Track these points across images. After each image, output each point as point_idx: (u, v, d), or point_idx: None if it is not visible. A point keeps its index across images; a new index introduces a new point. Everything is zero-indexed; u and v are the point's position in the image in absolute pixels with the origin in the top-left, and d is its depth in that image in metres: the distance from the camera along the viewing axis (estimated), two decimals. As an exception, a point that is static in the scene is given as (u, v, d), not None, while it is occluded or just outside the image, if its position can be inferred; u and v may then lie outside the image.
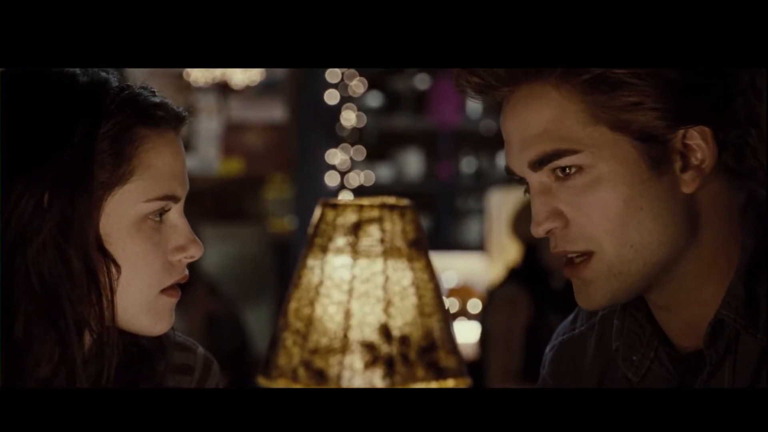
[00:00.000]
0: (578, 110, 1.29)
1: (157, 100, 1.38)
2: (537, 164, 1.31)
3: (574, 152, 1.29)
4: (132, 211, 1.34)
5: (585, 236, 1.30)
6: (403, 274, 1.08)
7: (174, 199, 1.37)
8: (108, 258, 1.33)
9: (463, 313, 5.10)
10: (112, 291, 1.33)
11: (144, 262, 1.35)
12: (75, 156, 1.31)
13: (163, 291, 1.37)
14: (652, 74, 1.28)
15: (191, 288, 3.86)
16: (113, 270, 1.33)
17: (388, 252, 1.08)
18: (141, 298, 1.35)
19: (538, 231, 1.32)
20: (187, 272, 1.39)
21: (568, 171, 1.30)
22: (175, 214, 1.38)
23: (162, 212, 1.36)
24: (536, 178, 1.32)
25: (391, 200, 1.10)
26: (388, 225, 1.09)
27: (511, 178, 1.37)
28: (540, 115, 1.30)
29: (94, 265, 1.32)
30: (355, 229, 1.09)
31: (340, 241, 1.09)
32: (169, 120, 1.38)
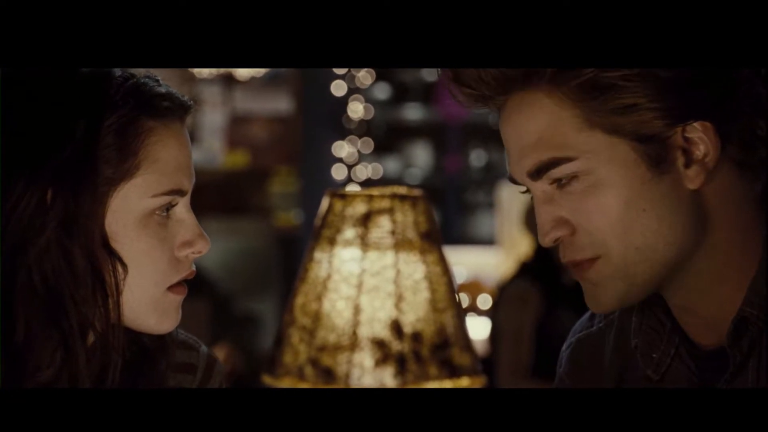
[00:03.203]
0: (572, 116, 1.28)
1: (163, 89, 1.35)
2: (535, 174, 1.31)
3: (569, 159, 1.28)
4: (138, 207, 1.32)
5: (592, 243, 1.29)
6: (415, 268, 1.05)
7: (181, 193, 1.34)
8: (114, 256, 1.31)
9: (472, 308, 5.09)
10: (118, 291, 1.31)
11: (150, 259, 1.32)
12: (78, 151, 1.29)
13: (170, 288, 1.34)
14: (644, 75, 1.26)
15: None
16: (119, 269, 1.31)
17: (400, 244, 1.05)
18: (147, 297, 1.33)
19: (545, 241, 1.32)
20: (194, 268, 1.37)
21: (566, 179, 1.29)
22: (182, 209, 1.35)
23: (169, 207, 1.34)
24: (538, 188, 1.31)
25: (402, 190, 1.07)
26: (399, 216, 1.05)
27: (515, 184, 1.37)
28: (534, 124, 1.30)
29: (100, 264, 1.30)
30: (365, 220, 1.05)
31: (349, 232, 1.05)
32: (174, 110, 1.35)
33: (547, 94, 1.28)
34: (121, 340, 1.32)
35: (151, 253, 1.32)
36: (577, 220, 1.29)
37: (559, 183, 1.29)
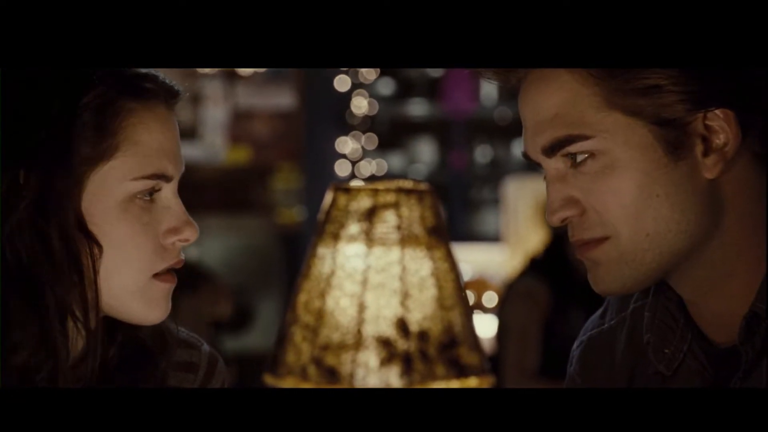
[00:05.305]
0: (591, 94, 1.27)
1: (143, 70, 1.33)
2: (549, 150, 1.29)
3: (585, 138, 1.27)
4: (118, 190, 1.29)
5: (602, 223, 1.28)
6: (421, 264, 1.03)
7: (164, 178, 1.32)
8: (91, 239, 1.28)
9: (478, 306, 5.08)
10: (95, 273, 1.28)
11: (133, 245, 1.30)
12: (53, 129, 1.27)
13: (156, 276, 1.32)
14: None
15: None
16: (96, 252, 1.28)
17: (406, 240, 1.03)
18: (132, 283, 1.31)
19: (552, 220, 1.30)
20: (182, 257, 1.34)
21: (581, 157, 1.28)
22: (168, 194, 1.33)
23: (152, 192, 1.31)
24: (552, 165, 1.30)
25: (408, 184, 1.05)
26: (405, 211, 1.04)
27: (529, 164, 1.36)
28: (552, 99, 1.28)
29: (76, 245, 1.28)
30: (370, 215, 1.03)
31: (353, 228, 1.03)
32: (158, 93, 1.33)
33: (568, 70, 1.28)
34: (100, 326, 1.31)
35: (134, 238, 1.30)
36: (588, 201, 1.28)
37: (574, 162, 1.28)
